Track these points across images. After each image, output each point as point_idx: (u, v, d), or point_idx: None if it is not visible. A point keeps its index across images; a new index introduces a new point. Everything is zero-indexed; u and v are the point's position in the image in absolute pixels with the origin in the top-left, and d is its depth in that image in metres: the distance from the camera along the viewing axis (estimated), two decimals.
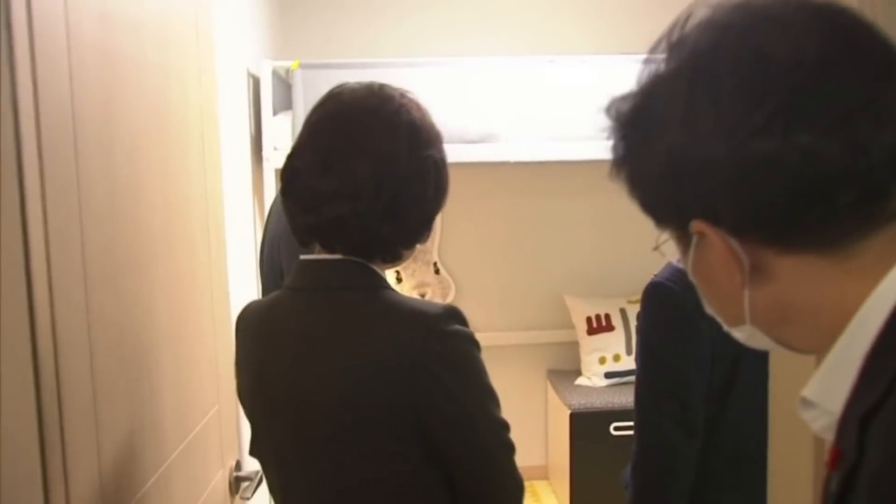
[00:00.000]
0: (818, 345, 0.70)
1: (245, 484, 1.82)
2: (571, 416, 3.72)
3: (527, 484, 4.94)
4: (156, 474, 1.35)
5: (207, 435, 1.65)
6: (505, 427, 1.35)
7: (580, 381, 4.01)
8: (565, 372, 4.18)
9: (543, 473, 4.33)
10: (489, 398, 1.32)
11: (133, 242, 1.30)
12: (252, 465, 1.68)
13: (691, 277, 0.76)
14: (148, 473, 1.32)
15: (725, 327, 0.76)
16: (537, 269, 4.23)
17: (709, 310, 0.77)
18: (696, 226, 0.71)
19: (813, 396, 0.70)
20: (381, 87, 1.37)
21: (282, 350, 1.34)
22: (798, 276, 0.68)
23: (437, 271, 4.20)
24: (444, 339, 1.25)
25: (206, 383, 1.66)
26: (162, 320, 1.41)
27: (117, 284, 1.23)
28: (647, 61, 0.71)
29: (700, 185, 0.69)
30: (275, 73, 3.18)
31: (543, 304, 4.25)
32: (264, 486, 1.57)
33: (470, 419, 1.29)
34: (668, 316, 1.67)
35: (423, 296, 4.19)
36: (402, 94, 1.38)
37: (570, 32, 4.06)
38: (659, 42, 0.71)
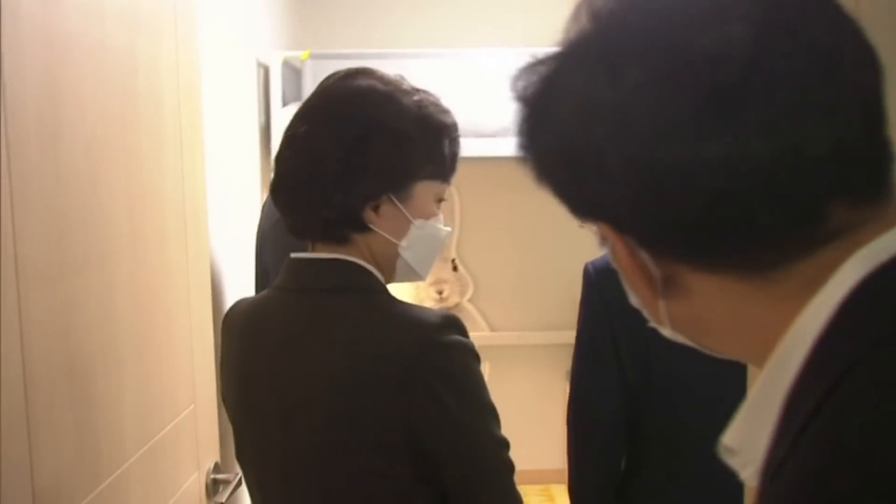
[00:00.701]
0: (750, 360, 0.63)
1: (223, 486, 1.76)
2: None
3: (543, 487, 4.83)
4: (109, 478, 1.29)
5: (180, 436, 1.60)
6: (504, 445, 1.24)
7: None
8: None
9: (561, 477, 4.22)
10: (488, 415, 1.21)
11: (86, 238, 1.23)
12: (236, 467, 1.63)
13: None
14: (99, 478, 1.26)
15: (650, 323, 0.68)
16: (557, 266, 4.13)
17: (633, 303, 0.68)
18: (602, 228, 0.62)
19: (733, 443, 0.60)
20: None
21: (264, 354, 1.26)
22: (716, 296, 0.59)
23: (455, 268, 4.12)
24: (440, 351, 1.15)
25: (180, 384, 1.61)
26: (123, 320, 1.36)
27: (65, 283, 1.17)
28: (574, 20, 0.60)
29: (599, 189, 0.59)
30: (287, 64, 3.12)
31: (563, 303, 4.13)
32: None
33: (467, 437, 1.19)
34: (585, 298, 1.98)
35: (440, 293, 4.12)
36: (366, 70, 1.30)
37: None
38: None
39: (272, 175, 1.29)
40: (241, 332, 1.30)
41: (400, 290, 4.00)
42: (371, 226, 1.22)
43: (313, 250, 1.26)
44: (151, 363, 1.47)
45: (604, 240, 0.65)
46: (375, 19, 3.99)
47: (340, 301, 1.21)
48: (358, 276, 1.21)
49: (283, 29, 3.45)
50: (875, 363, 0.47)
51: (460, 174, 3.93)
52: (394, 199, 1.22)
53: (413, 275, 1.28)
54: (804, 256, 0.55)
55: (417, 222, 1.24)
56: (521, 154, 0.64)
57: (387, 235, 1.23)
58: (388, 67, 3.29)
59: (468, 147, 3.33)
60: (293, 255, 1.27)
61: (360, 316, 1.19)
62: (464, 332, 1.19)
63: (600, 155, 0.57)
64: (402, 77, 1.29)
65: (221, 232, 2.31)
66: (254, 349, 1.27)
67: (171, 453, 1.56)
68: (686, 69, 0.53)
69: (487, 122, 3.26)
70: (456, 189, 4.07)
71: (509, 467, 1.24)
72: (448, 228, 1.32)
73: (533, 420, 4.18)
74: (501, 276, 4.16)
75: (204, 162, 1.76)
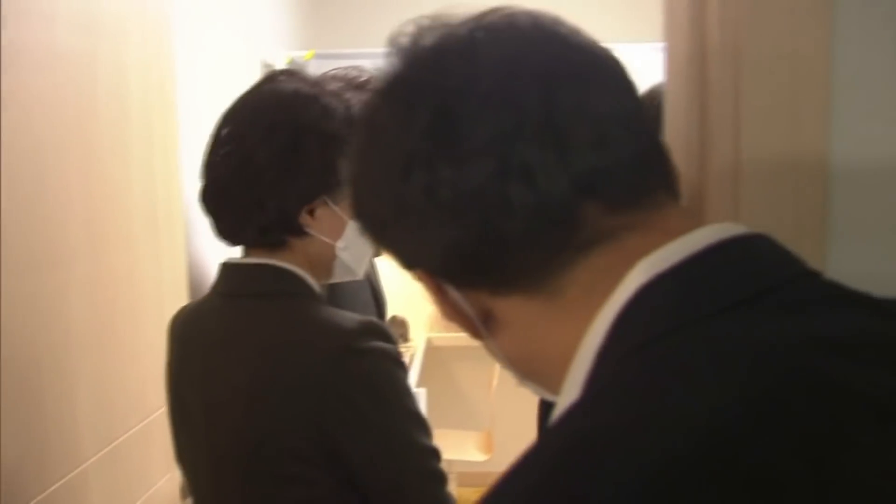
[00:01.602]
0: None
1: None
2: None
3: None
4: (64, 478, 1.30)
5: (149, 438, 1.60)
6: (433, 455, 1.21)
7: None
8: None
9: None
10: (413, 424, 1.19)
11: (35, 240, 1.24)
12: None
13: None
14: (51, 477, 1.27)
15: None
16: None
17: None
18: (417, 276, 0.62)
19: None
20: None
21: (195, 357, 1.26)
22: (519, 319, 0.58)
23: None
24: (357, 357, 1.13)
25: (148, 385, 1.61)
26: (79, 321, 1.36)
27: (9, 287, 1.17)
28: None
29: (377, 225, 0.61)
30: (293, 64, 3.12)
31: None
32: None
33: (389, 447, 1.17)
34: None
35: None
36: (308, 74, 1.29)
37: (578, 21, 3.84)
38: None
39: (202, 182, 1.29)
40: (179, 336, 1.31)
41: (419, 291, 3.98)
42: (307, 229, 1.22)
43: (246, 255, 1.27)
44: (112, 364, 1.47)
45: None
46: (381, 18, 3.96)
47: (265, 306, 1.21)
48: (285, 281, 1.21)
49: (287, 29, 3.46)
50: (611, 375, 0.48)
51: None
52: (328, 201, 1.22)
53: (350, 273, 1.29)
54: (570, 263, 0.53)
55: (353, 223, 1.22)
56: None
57: (323, 238, 1.23)
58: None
59: None
60: (226, 259, 1.27)
61: (282, 320, 1.19)
62: (386, 339, 1.17)
63: (371, 195, 0.60)
64: (334, 75, 1.28)
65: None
66: (187, 353, 1.28)
67: (139, 454, 1.57)
68: (411, 100, 0.56)
69: None
70: None
71: (438, 477, 1.20)
72: None
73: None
74: None
75: (178, 164, 1.76)
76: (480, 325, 0.60)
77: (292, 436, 1.13)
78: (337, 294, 1.96)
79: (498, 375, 3.79)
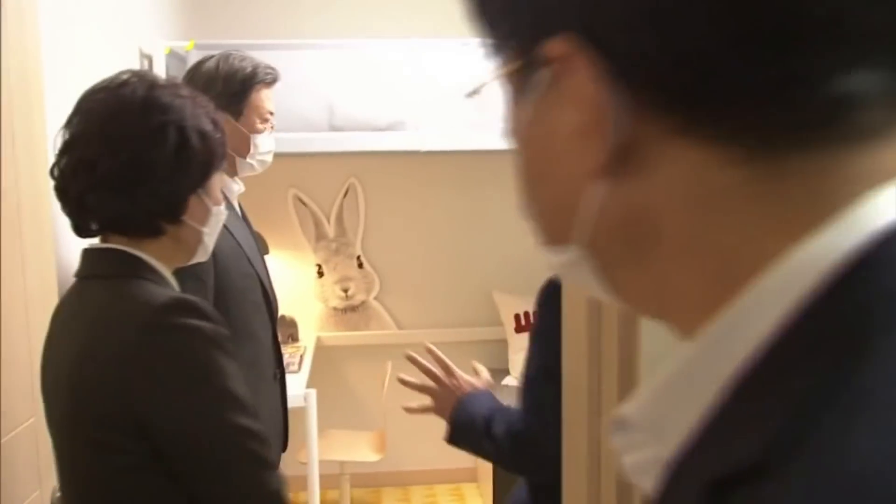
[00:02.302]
0: (679, 312, 0.42)
1: None
2: None
3: (453, 486, 4.80)
4: None
5: (16, 451, 1.49)
6: (247, 435, 1.25)
7: (507, 380, 3.86)
8: (493, 371, 3.98)
9: (472, 476, 4.19)
10: (225, 401, 1.24)
11: None
12: None
13: (512, 144, 0.47)
14: None
15: (538, 244, 0.49)
16: (465, 263, 4.07)
17: (525, 213, 0.49)
18: (555, 47, 0.39)
19: (639, 417, 0.42)
20: (132, 73, 1.34)
21: (51, 336, 1.34)
22: (687, 182, 0.39)
23: (360, 265, 4.04)
24: (163, 333, 1.21)
25: (16, 394, 1.49)
26: None
27: None
28: None
29: None
30: (175, 55, 2.99)
31: (471, 301, 4.09)
32: None
33: (199, 425, 1.23)
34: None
35: (345, 291, 4.03)
36: (156, 77, 1.38)
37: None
38: None
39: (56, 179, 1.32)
40: (52, 318, 1.37)
41: (308, 290, 3.92)
42: (184, 217, 1.33)
43: (102, 241, 1.34)
44: None
45: (516, 80, 0.45)
46: (263, 10, 3.87)
47: (98, 286, 1.30)
48: (118, 262, 1.29)
49: (167, 18, 3.31)
50: None
51: (364, 169, 3.98)
52: (200, 192, 1.34)
53: (205, 255, 1.42)
54: (823, 150, 0.37)
55: (214, 209, 1.38)
56: None
57: (195, 224, 1.35)
58: (276, 59, 3.18)
59: (370, 142, 3.29)
60: (87, 246, 1.35)
61: (111, 298, 1.27)
62: (201, 316, 1.23)
63: None
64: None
65: None
66: (49, 332, 1.35)
67: (5, 469, 1.45)
68: None
69: (377, 116, 3.19)
70: (360, 184, 3.98)
71: (255, 458, 1.25)
72: (226, 211, 1.45)
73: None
74: (408, 273, 4.09)
75: (46, 157, 1.64)
76: (610, 153, 0.40)
77: (102, 404, 1.20)
78: (226, 294, 1.89)
79: (389, 374, 3.75)
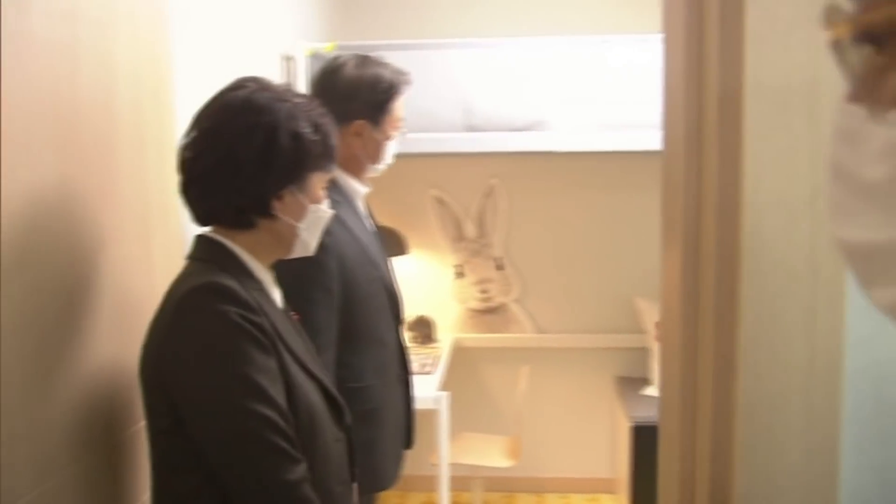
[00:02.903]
0: None
1: None
2: (632, 429, 3.44)
3: (590, 497, 4.65)
4: None
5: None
6: (263, 422, 1.27)
7: (649, 390, 3.71)
8: (633, 380, 3.88)
9: (609, 486, 4.06)
10: (242, 387, 1.27)
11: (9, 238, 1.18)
12: None
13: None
14: None
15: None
16: (607, 268, 3.94)
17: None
18: None
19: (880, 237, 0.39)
20: (253, 77, 1.43)
21: None
22: None
23: (499, 267, 3.99)
24: (189, 314, 1.29)
25: None
26: (70, 321, 1.30)
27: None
28: None
29: None
30: (318, 56, 3.05)
31: (612, 306, 3.96)
32: None
33: (209, 404, 1.28)
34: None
35: (484, 292, 4.00)
36: (254, 80, 1.43)
37: (627, 10, 3.71)
38: None
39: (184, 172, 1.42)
40: None
41: (447, 291, 3.91)
42: (275, 213, 1.40)
43: (213, 231, 1.43)
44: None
45: None
46: (402, 11, 3.89)
47: (187, 267, 1.40)
48: (208, 249, 1.40)
49: (308, 21, 3.38)
50: None
51: (505, 169, 3.91)
52: (295, 189, 1.41)
53: (306, 251, 1.48)
54: None
55: (312, 207, 1.44)
56: None
57: (289, 220, 1.42)
58: (414, 59, 3.18)
59: (508, 142, 3.24)
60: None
61: (179, 279, 1.37)
62: (231, 301, 1.29)
63: None
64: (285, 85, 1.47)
65: None
66: None
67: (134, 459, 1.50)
68: None
69: (523, 116, 3.13)
70: (503, 184, 3.94)
71: (270, 446, 1.27)
72: (331, 211, 1.50)
73: (579, 426, 4.02)
74: (548, 276, 4.00)
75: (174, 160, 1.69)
76: None
77: (148, 371, 1.33)
78: (352, 300, 1.89)
79: (529, 373, 3.69)
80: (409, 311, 3.90)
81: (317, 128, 1.41)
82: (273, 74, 2.86)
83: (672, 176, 0.83)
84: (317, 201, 1.45)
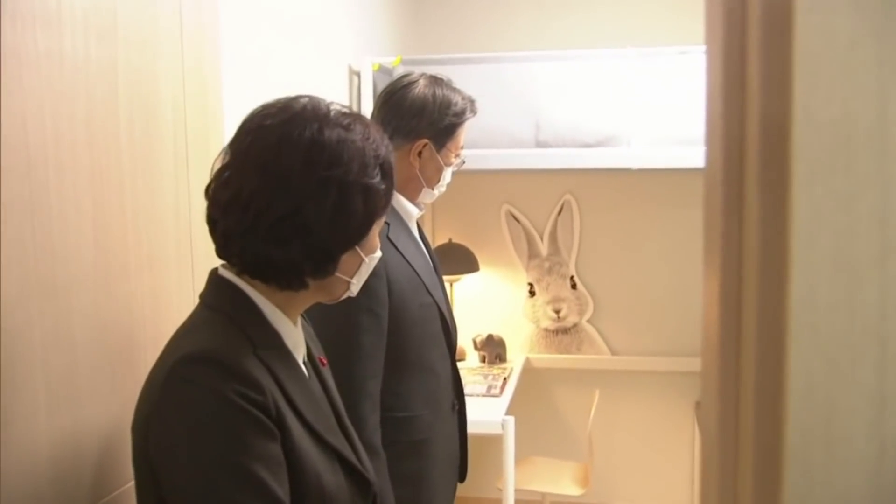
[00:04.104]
0: None
1: None
2: None
3: None
4: None
5: None
6: None
7: None
8: None
9: None
10: (229, 476, 1.07)
11: (40, 260, 1.15)
12: None
13: None
14: None
15: None
16: (684, 288, 3.77)
17: None
18: None
19: None
20: (308, 100, 1.21)
21: None
22: None
23: (573, 286, 3.87)
24: (174, 384, 1.10)
25: None
26: (102, 340, 1.27)
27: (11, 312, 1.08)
28: None
29: None
30: (384, 70, 3.01)
31: (692, 329, 3.78)
32: None
33: (193, 496, 1.08)
34: None
35: (557, 312, 3.88)
36: (330, 109, 1.21)
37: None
38: None
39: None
40: None
41: (519, 309, 3.81)
42: (335, 272, 1.24)
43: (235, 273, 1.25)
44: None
45: None
46: (469, 24, 3.82)
47: (197, 311, 1.23)
48: (213, 292, 1.23)
49: (374, 34, 3.34)
50: None
51: (580, 186, 3.83)
52: (357, 247, 1.25)
53: (353, 295, 1.31)
54: None
55: (367, 258, 1.29)
56: None
57: (343, 276, 1.26)
58: (482, 72, 3.10)
59: (579, 159, 3.13)
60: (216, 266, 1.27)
61: (183, 329, 1.20)
62: (221, 374, 1.09)
63: None
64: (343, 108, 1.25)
65: None
66: None
67: None
68: None
69: (595, 131, 3.01)
70: (575, 202, 3.81)
71: None
72: (380, 253, 1.33)
73: (655, 453, 3.84)
74: (624, 295, 3.86)
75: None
76: None
77: (136, 438, 1.16)
78: (401, 326, 1.82)
79: (596, 403, 3.55)
80: (479, 330, 3.83)
81: (384, 171, 1.23)
82: (339, 89, 2.82)
83: (711, 227, 0.72)
84: (373, 251, 1.29)
